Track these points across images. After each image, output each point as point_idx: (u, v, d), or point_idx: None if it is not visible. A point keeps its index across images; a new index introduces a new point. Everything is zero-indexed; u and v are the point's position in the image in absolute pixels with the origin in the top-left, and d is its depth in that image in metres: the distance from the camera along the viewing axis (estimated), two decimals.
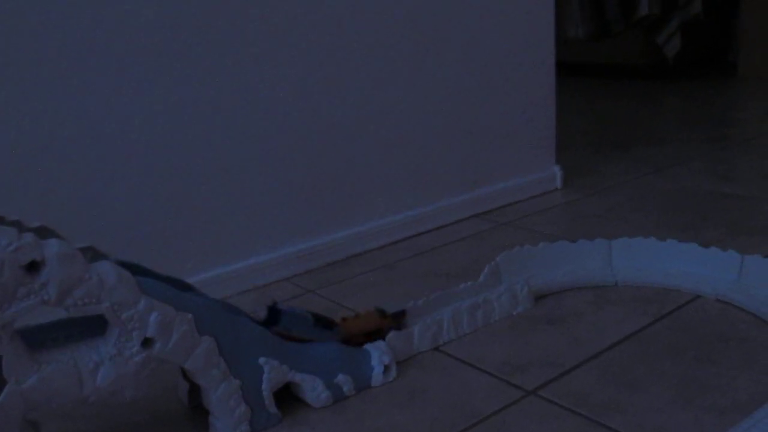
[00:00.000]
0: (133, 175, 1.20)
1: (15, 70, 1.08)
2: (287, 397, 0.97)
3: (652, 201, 1.66)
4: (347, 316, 1.06)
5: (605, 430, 0.87)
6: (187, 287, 0.93)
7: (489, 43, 1.62)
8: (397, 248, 1.49)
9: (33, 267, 0.76)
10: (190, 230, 1.27)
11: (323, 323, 1.00)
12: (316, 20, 1.35)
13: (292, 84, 1.34)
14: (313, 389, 0.94)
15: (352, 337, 1.03)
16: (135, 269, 0.89)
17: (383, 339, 1.03)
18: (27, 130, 1.10)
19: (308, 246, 1.40)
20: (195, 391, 0.94)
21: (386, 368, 1.00)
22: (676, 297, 1.19)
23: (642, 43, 3.24)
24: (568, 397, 0.94)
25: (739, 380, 0.95)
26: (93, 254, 0.86)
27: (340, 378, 0.96)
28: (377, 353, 1.00)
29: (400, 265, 1.41)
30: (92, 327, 0.86)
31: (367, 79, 1.44)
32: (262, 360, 0.90)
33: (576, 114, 2.72)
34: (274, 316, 0.97)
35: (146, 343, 0.83)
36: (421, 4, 1.49)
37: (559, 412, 0.91)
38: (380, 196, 1.50)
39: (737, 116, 2.55)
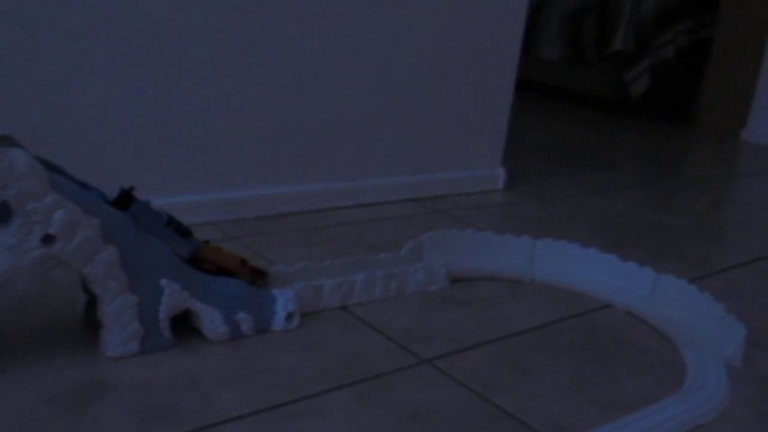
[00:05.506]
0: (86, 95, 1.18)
1: None
2: (184, 326, 0.96)
3: (587, 217, 1.69)
4: (212, 245, 1.01)
5: (488, 405, 0.88)
6: (102, 198, 0.91)
7: (458, 40, 1.63)
8: (328, 215, 1.49)
9: None
10: (128, 155, 1.25)
11: (177, 228, 0.95)
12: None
13: (246, 43, 1.34)
14: (211, 321, 0.94)
15: (202, 261, 0.97)
16: (52, 168, 0.87)
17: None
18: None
19: (240, 195, 1.40)
20: (92, 304, 0.93)
21: (289, 315, 1.00)
22: (587, 302, 1.21)
23: (612, 77, 3.29)
24: (461, 371, 0.95)
25: (629, 384, 0.97)
26: (11, 143, 0.84)
27: (241, 316, 0.96)
28: (283, 299, 1.00)
29: (328, 231, 1.40)
30: None
31: (331, 45, 1.44)
32: (164, 281, 0.89)
33: (535, 131, 2.75)
34: (125, 199, 0.91)
35: (48, 239, 0.81)
36: None
37: (448, 383, 0.91)
38: (321, 162, 1.50)
39: (686, 159, 2.60)
